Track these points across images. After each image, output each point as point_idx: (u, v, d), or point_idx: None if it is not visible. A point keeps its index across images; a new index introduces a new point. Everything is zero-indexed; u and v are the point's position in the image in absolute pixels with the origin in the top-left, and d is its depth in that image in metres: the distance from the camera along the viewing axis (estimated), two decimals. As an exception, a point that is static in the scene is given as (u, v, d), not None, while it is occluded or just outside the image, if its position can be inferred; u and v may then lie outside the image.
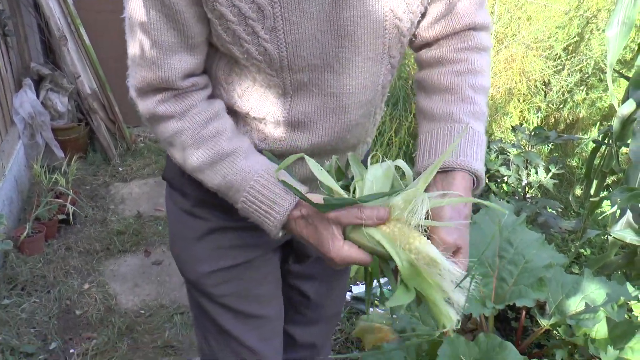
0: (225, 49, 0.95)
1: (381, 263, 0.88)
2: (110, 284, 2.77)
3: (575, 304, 1.74)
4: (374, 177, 0.89)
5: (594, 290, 1.75)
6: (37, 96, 3.55)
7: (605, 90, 3.69)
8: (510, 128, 3.36)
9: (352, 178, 0.92)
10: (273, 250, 1.22)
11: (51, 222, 2.99)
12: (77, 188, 3.46)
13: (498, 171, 2.45)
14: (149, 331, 2.45)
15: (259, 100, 1.00)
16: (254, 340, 1.24)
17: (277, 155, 1.04)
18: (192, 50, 0.95)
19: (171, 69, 0.93)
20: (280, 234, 0.94)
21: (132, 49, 0.95)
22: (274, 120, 1.01)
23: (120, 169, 3.85)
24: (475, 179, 0.95)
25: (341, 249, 0.87)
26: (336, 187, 0.87)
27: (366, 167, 0.92)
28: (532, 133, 2.41)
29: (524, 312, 1.94)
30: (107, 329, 2.45)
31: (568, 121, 3.78)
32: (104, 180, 3.72)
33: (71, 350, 2.34)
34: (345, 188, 0.90)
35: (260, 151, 1.01)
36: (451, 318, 0.83)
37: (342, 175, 0.95)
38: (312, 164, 0.88)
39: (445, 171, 0.94)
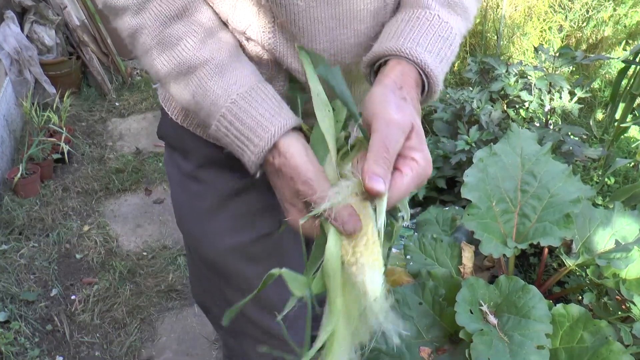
0: None
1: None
2: (111, 225, 2.67)
3: (604, 242, 1.61)
4: None
5: (625, 226, 1.61)
6: (22, 30, 3.33)
7: (636, 4, 3.40)
8: (533, 49, 3.13)
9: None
10: None
11: (46, 162, 2.86)
12: (72, 125, 3.32)
13: (518, 96, 2.26)
14: (152, 274, 2.37)
15: (234, 6, 0.78)
16: (278, 326, 1.10)
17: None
18: None
19: None
20: (259, 174, 0.76)
21: None
22: (256, 37, 0.80)
23: (116, 103, 3.69)
24: (424, 75, 0.73)
25: (296, 222, 0.71)
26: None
27: None
28: (557, 54, 2.20)
29: (546, 250, 1.81)
30: (108, 273, 2.36)
31: (591, 41, 3.52)
32: (100, 116, 3.56)
33: (72, 297, 2.27)
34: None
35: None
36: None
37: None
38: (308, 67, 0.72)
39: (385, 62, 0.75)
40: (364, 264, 0.64)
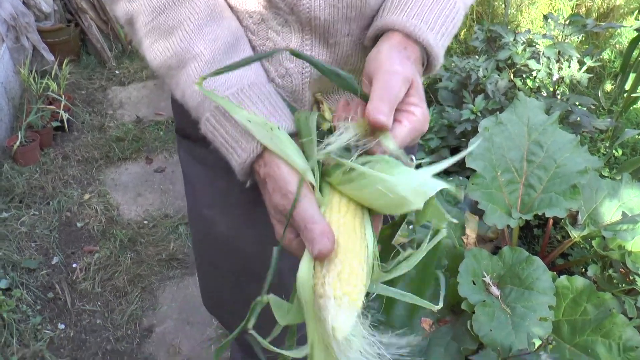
0: None
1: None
2: (112, 193, 2.65)
3: (610, 213, 1.58)
4: None
5: (633, 198, 1.58)
6: (19, -6, 3.26)
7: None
8: (541, 18, 3.06)
9: None
10: None
11: (45, 130, 2.83)
12: (71, 93, 3.27)
13: (526, 65, 2.21)
14: (153, 243, 2.36)
15: None
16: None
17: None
18: None
19: None
20: (248, 183, 0.72)
21: None
22: None
23: (116, 72, 3.63)
24: (425, 52, 0.72)
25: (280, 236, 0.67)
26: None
27: None
28: (567, 21, 2.14)
29: (550, 221, 1.79)
30: (109, 241, 2.35)
31: (601, 10, 3.44)
32: (100, 84, 3.51)
33: (74, 265, 2.27)
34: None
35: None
36: None
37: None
38: None
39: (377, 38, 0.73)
40: (331, 297, 0.55)
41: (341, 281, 0.56)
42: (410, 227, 0.71)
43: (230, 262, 1.00)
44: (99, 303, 2.14)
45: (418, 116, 0.65)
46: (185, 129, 0.94)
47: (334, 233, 0.59)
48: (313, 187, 0.63)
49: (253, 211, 0.91)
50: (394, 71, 0.65)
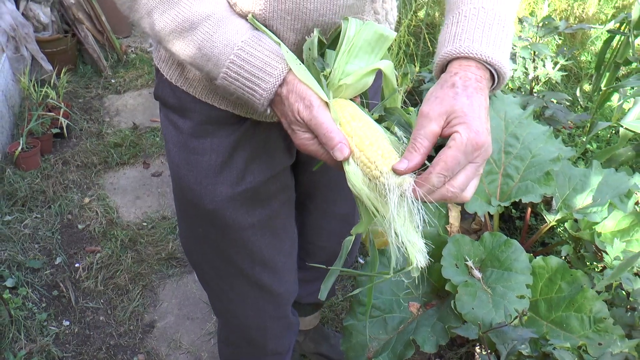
0: None
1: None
2: (111, 197, 2.75)
3: (582, 198, 1.70)
4: (360, 38, 0.81)
5: (602, 184, 1.70)
6: (17, 7, 3.36)
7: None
8: (517, 20, 3.19)
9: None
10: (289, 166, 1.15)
11: (45, 137, 2.92)
12: (69, 101, 3.37)
13: (504, 66, 2.33)
14: (153, 243, 2.45)
15: None
16: (268, 278, 1.22)
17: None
18: None
19: None
20: (269, 111, 0.85)
21: None
22: (248, 7, 0.87)
23: (112, 80, 3.73)
24: (494, 71, 0.80)
25: (302, 143, 0.83)
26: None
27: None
28: (540, 24, 2.27)
29: (529, 209, 1.91)
30: (110, 242, 2.44)
31: (577, 14, 3.59)
32: (97, 92, 3.61)
33: (76, 265, 2.35)
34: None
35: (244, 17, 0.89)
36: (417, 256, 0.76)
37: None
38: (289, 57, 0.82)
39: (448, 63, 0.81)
40: (389, 171, 0.72)
41: (386, 158, 0.74)
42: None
43: (194, 211, 1.13)
44: (101, 300, 2.23)
45: (462, 134, 0.73)
46: (164, 97, 1.06)
47: (359, 132, 0.77)
48: (327, 104, 0.80)
49: (217, 173, 1.06)
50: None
